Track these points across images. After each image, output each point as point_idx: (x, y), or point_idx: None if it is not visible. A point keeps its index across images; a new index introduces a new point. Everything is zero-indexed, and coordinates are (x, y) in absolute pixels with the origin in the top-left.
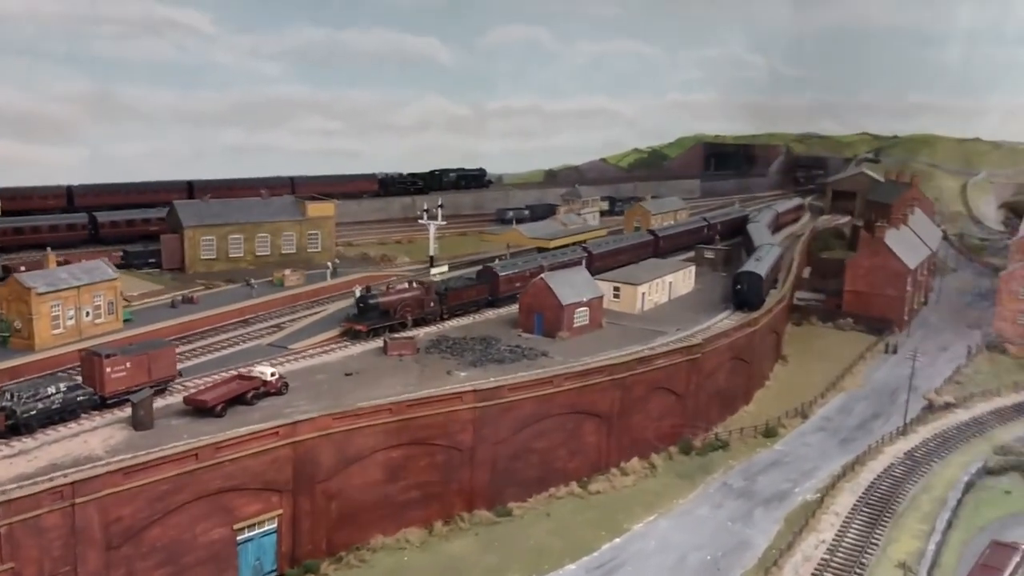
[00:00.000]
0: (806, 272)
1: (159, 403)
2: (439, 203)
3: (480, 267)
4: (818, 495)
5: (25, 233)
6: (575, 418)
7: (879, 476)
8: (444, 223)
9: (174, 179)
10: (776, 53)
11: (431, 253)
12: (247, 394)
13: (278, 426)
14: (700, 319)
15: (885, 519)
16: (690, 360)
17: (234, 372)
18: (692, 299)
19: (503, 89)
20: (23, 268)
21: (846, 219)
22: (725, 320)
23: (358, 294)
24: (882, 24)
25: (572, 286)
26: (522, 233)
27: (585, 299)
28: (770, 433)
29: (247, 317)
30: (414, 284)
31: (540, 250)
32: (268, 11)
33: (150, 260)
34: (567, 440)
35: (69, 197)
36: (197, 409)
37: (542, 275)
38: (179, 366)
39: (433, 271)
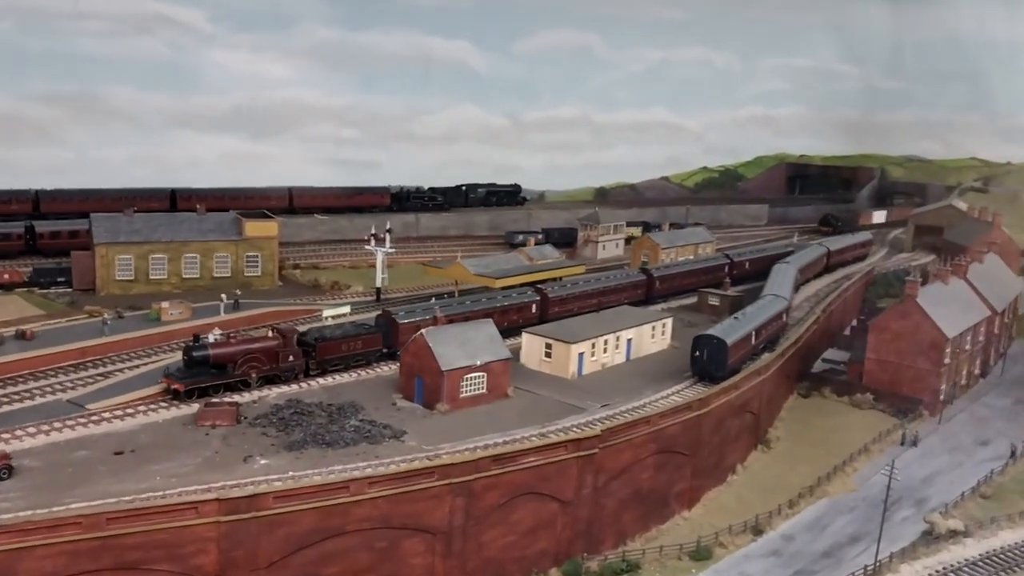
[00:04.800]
0: (850, 327)
1: None
2: (387, 227)
3: (379, 311)
4: None
5: None
6: (389, 534)
7: None
8: (393, 250)
9: (156, 187)
10: (873, 64)
11: (378, 284)
12: None
13: None
14: (646, 391)
15: None
16: (583, 456)
17: None
18: (658, 361)
19: (546, 99)
20: None
21: (930, 259)
22: (673, 396)
23: (212, 339)
24: (996, 35)
25: (464, 345)
26: (466, 268)
27: (479, 362)
28: (702, 555)
29: (87, 360)
30: (271, 332)
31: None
32: (271, 9)
33: (59, 279)
34: (377, 564)
35: (36, 203)
36: None
37: (423, 330)
38: None
39: (327, 313)
